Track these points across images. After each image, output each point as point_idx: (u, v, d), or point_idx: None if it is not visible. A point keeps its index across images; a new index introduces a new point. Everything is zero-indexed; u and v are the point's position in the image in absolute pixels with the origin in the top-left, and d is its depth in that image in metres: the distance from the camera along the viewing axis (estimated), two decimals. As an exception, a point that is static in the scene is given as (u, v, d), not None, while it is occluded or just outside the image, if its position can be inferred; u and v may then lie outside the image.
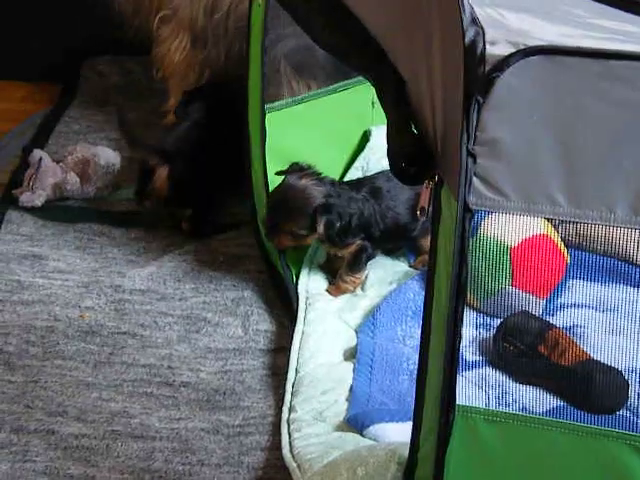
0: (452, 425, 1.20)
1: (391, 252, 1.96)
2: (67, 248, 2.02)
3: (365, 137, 2.19)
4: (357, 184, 1.91)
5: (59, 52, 2.53)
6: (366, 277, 1.91)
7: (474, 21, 1.08)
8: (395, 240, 1.93)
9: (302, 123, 2.02)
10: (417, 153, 1.20)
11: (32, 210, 2.11)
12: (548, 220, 1.76)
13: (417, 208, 1.81)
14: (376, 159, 2.14)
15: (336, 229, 1.82)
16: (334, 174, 2.10)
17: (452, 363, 1.17)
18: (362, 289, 1.90)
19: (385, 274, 1.94)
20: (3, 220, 2.08)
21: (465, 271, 1.15)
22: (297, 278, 1.91)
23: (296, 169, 1.85)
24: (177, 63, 2.27)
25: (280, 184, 1.85)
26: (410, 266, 1.95)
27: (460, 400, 1.21)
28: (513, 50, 1.07)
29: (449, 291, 1.16)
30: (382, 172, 1.91)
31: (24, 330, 1.79)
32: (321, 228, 1.80)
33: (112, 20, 2.36)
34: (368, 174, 2.13)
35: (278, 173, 1.86)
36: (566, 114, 1.08)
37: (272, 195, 1.87)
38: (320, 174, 1.86)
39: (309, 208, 1.80)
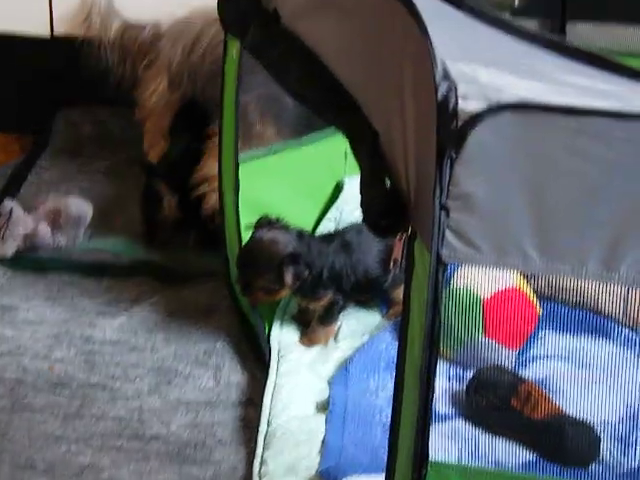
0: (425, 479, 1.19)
1: (363, 303, 1.96)
2: (37, 299, 2.01)
3: (338, 188, 2.20)
4: (328, 237, 1.91)
5: (31, 102, 2.52)
6: (339, 328, 1.90)
7: (446, 76, 1.09)
8: (366, 292, 1.93)
9: (275, 174, 2.02)
10: (390, 206, 1.21)
11: (2, 260, 2.10)
12: (520, 272, 1.77)
13: (388, 261, 1.84)
14: (349, 210, 2.15)
15: (305, 279, 1.82)
16: (307, 225, 2.10)
17: (425, 417, 1.17)
18: (335, 340, 1.90)
19: (358, 325, 1.93)
20: (-27, 271, 2.07)
21: (438, 323, 1.15)
22: (269, 329, 1.91)
23: (264, 223, 1.84)
24: (154, 104, 2.30)
25: (248, 240, 1.86)
26: (383, 317, 1.95)
27: (433, 454, 1.21)
28: (485, 105, 1.08)
29: (422, 343, 1.16)
30: (352, 225, 1.92)
31: (-7, 383, 1.77)
32: (289, 279, 1.79)
33: (86, 70, 2.37)
34: (341, 225, 2.14)
35: (248, 227, 1.86)
36: (538, 169, 1.09)
37: (241, 253, 1.87)
38: (288, 226, 1.86)
39: (276, 261, 1.79)
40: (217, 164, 1.95)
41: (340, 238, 1.89)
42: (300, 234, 1.85)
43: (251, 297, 1.85)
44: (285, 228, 1.85)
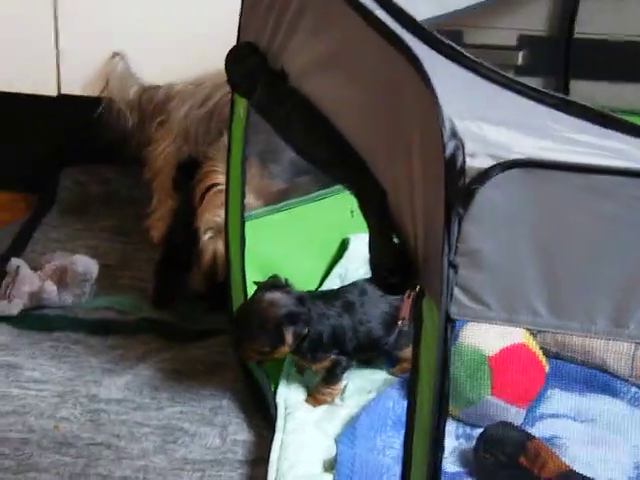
0: (436, 540, 1.18)
1: (367, 362, 1.95)
2: (43, 357, 2.00)
3: (344, 245, 2.21)
4: (330, 297, 1.90)
5: (37, 161, 2.54)
6: (345, 387, 1.89)
7: (454, 134, 1.10)
8: (369, 352, 1.92)
9: (280, 231, 2.03)
10: (398, 263, 1.21)
11: (8, 319, 2.09)
12: (527, 329, 1.77)
13: (393, 321, 1.84)
14: (354, 268, 2.15)
15: (304, 339, 1.81)
16: (313, 281, 2.11)
17: (435, 476, 1.16)
18: (341, 399, 1.89)
19: (364, 383, 1.92)
20: (-21, 329, 2.06)
21: (448, 382, 1.14)
22: (276, 387, 1.90)
23: (268, 285, 1.84)
24: (162, 163, 2.33)
25: (246, 301, 1.86)
26: (388, 373, 1.94)
27: (443, 514, 1.20)
28: (493, 163, 1.09)
29: (431, 402, 1.16)
30: (355, 284, 1.91)
31: (-2, 442, 1.76)
32: (289, 338, 1.79)
33: (93, 129, 2.39)
34: (346, 282, 2.14)
35: (255, 283, 1.86)
36: (547, 226, 1.09)
37: (237, 312, 1.87)
38: (291, 290, 1.84)
39: (270, 325, 1.78)
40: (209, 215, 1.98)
41: (342, 299, 1.89)
42: (301, 298, 1.83)
43: (244, 356, 1.85)
44: (287, 291, 1.84)
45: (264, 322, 1.79)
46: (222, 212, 1.95)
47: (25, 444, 1.75)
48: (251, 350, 1.82)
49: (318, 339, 1.83)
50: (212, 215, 2.06)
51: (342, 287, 1.94)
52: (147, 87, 2.42)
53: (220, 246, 2.02)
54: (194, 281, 2.14)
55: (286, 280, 1.86)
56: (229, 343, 1.87)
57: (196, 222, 2.08)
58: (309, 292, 1.93)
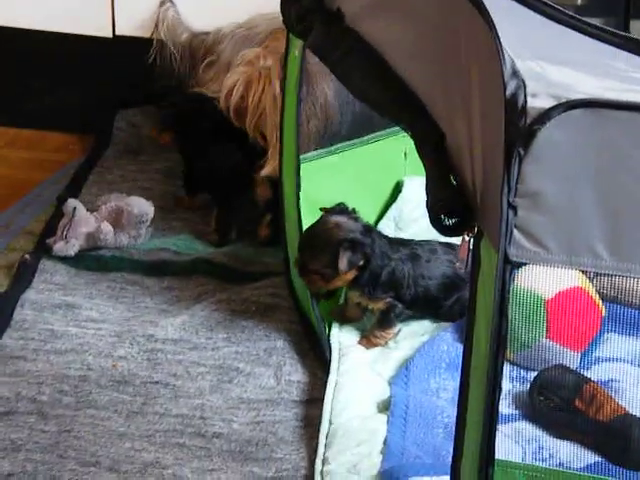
0: (491, 480, 1.19)
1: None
2: (100, 297, 2.03)
3: (397, 188, 2.20)
4: (399, 243, 1.90)
5: (93, 103, 2.55)
6: (399, 331, 1.90)
7: (515, 74, 1.09)
8: (422, 310, 1.92)
9: (335, 174, 2.03)
10: (456, 205, 1.20)
11: (65, 259, 2.12)
12: (583, 272, 1.75)
13: (456, 286, 1.84)
14: (408, 210, 2.15)
15: (364, 271, 1.80)
16: (366, 224, 2.10)
17: (492, 417, 1.16)
18: (394, 341, 1.89)
19: (418, 326, 1.93)
20: (37, 269, 2.09)
21: (505, 324, 1.14)
22: (329, 329, 1.91)
23: (337, 210, 1.84)
24: None
25: (314, 222, 1.85)
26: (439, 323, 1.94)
27: (499, 454, 1.20)
28: (555, 103, 1.07)
29: (488, 344, 1.15)
30: (428, 242, 1.90)
31: (57, 379, 1.78)
32: (342, 264, 1.78)
33: (147, 71, 2.39)
34: (400, 225, 2.14)
35: (322, 209, 1.86)
36: (609, 167, 1.08)
37: (303, 234, 1.87)
38: (358, 217, 1.85)
39: (332, 246, 1.78)
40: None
41: (410, 250, 1.88)
42: (368, 228, 1.83)
43: (307, 280, 1.84)
44: (355, 218, 1.84)
45: (327, 243, 1.79)
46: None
47: (84, 382, 1.78)
48: (315, 272, 1.81)
49: (376, 275, 1.83)
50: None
51: (413, 240, 1.93)
52: (197, 33, 2.43)
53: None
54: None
55: (353, 209, 1.86)
56: (295, 265, 1.86)
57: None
58: (379, 233, 1.92)
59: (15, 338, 1.89)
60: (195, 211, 2.32)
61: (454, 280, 1.87)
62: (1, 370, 1.80)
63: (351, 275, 1.82)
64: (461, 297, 1.85)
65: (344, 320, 1.92)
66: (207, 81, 2.35)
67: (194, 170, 2.31)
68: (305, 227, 1.88)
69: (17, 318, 1.94)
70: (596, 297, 1.80)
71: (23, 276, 2.06)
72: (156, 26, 2.45)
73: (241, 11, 2.32)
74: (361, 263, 1.80)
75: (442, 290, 1.88)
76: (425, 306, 1.90)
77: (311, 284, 1.85)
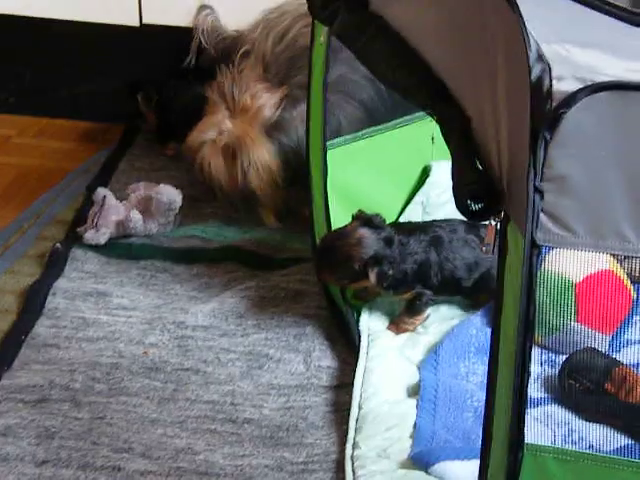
0: (521, 463, 1.19)
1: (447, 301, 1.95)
2: (130, 285, 2.04)
3: (425, 172, 2.20)
4: (419, 229, 1.90)
5: (123, 92, 2.56)
6: (427, 317, 1.90)
7: (540, 57, 1.08)
8: (451, 291, 1.92)
9: (362, 159, 2.03)
10: (482, 189, 1.20)
11: (96, 248, 2.14)
12: (613, 255, 1.74)
13: (478, 264, 1.84)
14: (436, 194, 2.15)
15: (389, 279, 1.82)
16: (394, 209, 2.11)
17: (521, 401, 1.16)
18: (423, 326, 1.90)
19: (447, 311, 1.93)
20: (68, 258, 2.11)
21: (533, 307, 1.14)
22: (358, 315, 1.92)
23: (362, 220, 1.84)
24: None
25: (337, 230, 1.86)
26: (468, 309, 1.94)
27: (528, 438, 1.20)
28: (580, 86, 1.07)
29: (517, 328, 1.15)
30: (448, 221, 1.90)
31: (89, 367, 1.80)
32: (373, 278, 1.81)
33: (175, 59, 2.40)
34: (428, 209, 2.13)
35: (359, 212, 1.86)
36: (635, 149, 1.07)
37: (324, 238, 1.88)
38: (383, 225, 1.84)
39: (353, 263, 1.80)
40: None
41: (432, 232, 1.88)
42: (389, 239, 1.83)
43: (322, 279, 1.88)
44: (378, 231, 1.83)
45: (348, 259, 1.80)
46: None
47: (116, 369, 1.80)
48: (330, 279, 1.86)
49: (402, 277, 1.84)
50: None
51: (434, 221, 1.93)
52: (237, 35, 2.45)
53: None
54: None
55: (377, 214, 1.86)
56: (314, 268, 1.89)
57: None
58: (399, 224, 1.93)
59: (47, 326, 1.91)
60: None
61: (476, 259, 1.87)
62: (34, 358, 1.83)
63: (380, 284, 1.83)
64: (484, 274, 1.86)
65: (368, 298, 1.92)
66: (242, 70, 2.34)
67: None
68: (332, 214, 1.89)
69: (49, 306, 1.96)
70: (626, 279, 1.79)
71: (55, 265, 2.08)
72: (194, 30, 2.46)
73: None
74: (390, 272, 1.82)
75: (466, 270, 1.88)
76: (450, 287, 1.91)
77: (327, 282, 1.90)
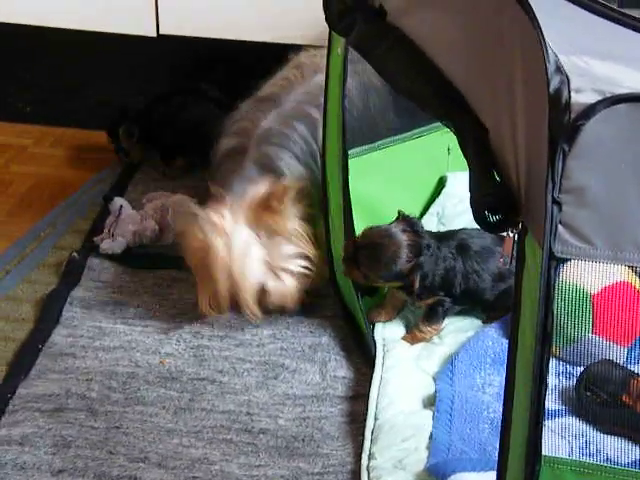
0: (538, 476, 1.18)
1: (464, 312, 1.95)
2: (146, 294, 2.05)
3: (441, 183, 2.20)
4: (447, 236, 1.90)
5: (140, 101, 2.57)
6: (443, 327, 1.90)
7: (559, 69, 1.08)
8: (473, 300, 1.92)
9: (379, 169, 2.02)
10: (500, 201, 1.20)
11: (112, 257, 2.14)
12: (630, 267, 1.74)
13: (503, 276, 1.84)
14: (452, 205, 2.14)
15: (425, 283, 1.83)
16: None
17: (538, 413, 1.16)
18: (439, 337, 1.90)
19: (462, 323, 1.93)
20: (85, 267, 2.11)
21: (551, 319, 1.14)
22: (373, 325, 1.92)
23: (407, 220, 1.84)
24: None
25: (379, 227, 1.85)
26: (483, 321, 1.94)
27: (545, 450, 1.20)
28: (599, 98, 1.07)
29: (534, 339, 1.15)
30: (479, 231, 1.89)
31: (106, 376, 1.81)
32: (417, 284, 1.81)
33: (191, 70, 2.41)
34: (443, 220, 2.13)
35: (400, 212, 1.85)
36: (654, 162, 1.07)
37: (368, 232, 1.86)
38: (422, 232, 1.84)
39: (394, 265, 1.80)
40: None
41: (459, 241, 1.88)
42: (429, 244, 1.83)
43: (348, 271, 1.85)
44: (421, 235, 1.83)
45: (395, 258, 1.80)
46: None
47: (132, 378, 1.81)
48: (365, 274, 1.83)
49: (431, 283, 1.84)
50: None
51: (464, 229, 1.93)
52: None
53: None
54: None
55: (418, 220, 1.87)
56: (342, 259, 1.86)
57: None
58: (428, 230, 1.93)
59: (64, 335, 1.92)
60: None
61: (502, 271, 1.86)
62: (51, 367, 1.83)
63: (417, 289, 1.83)
64: (507, 290, 1.85)
65: (379, 320, 1.92)
66: None
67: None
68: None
69: (66, 316, 1.97)
70: (643, 291, 1.78)
71: (71, 274, 2.09)
72: None
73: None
74: (429, 279, 1.83)
75: (490, 281, 1.88)
76: (472, 298, 1.90)
77: (351, 276, 1.86)
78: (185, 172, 2.45)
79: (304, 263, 1.88)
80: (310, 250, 1.87)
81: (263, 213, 1.81)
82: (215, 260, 1.83)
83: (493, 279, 1.87)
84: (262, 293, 1.87)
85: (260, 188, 1.86)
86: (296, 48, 2.23)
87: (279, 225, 1.82)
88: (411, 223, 1.84)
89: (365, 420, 1.69)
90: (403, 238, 1.82)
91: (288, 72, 2.06)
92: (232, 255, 1.83)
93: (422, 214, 2.16)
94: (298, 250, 1.86)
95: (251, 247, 1.83)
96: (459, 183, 2.10)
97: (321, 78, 1.95)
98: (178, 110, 2.45)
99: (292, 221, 1.85)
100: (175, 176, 2.44)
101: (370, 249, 1.83)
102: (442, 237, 1.89)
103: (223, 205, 1.86)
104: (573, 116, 1.08)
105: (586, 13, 1.20)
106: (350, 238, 1.86)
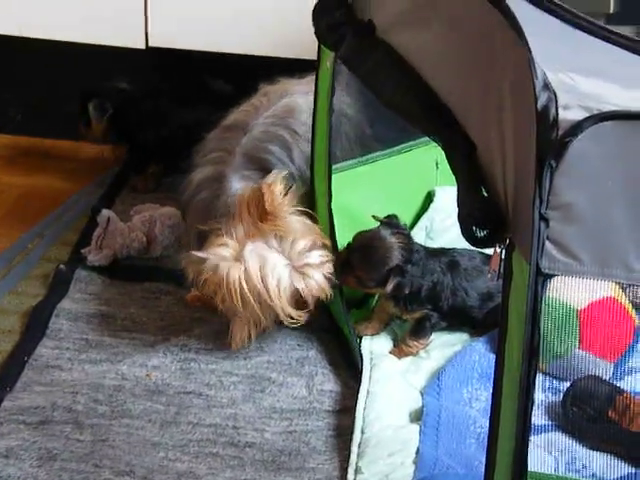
0: (524, 491, 1.18)
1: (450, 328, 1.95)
2: (134, 307, 2.04)
3: (429, 198, 2.20)
4: (438, 252, 1.91)
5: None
6: (430, 342, 1.90)
7: (546, 86, 1.09)
8: (456, 319, 1.92)
9: (366, 183, 2.03)
10: (487, 216, 1.20)
11: (100, 269, 2.14)
12: (616, 283, 1.74)
13: (492, 295, 1.84)
14: (440, 219, 2.15)
15: (404, 294, 1.83)
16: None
17: (524, 428, 1.16)
18: (426, 351, 1.90)
19: (449, 337, 1.93)
20: (72, 279, 2.11)
21: (538, 335, 1.14)
22: (361, 339, 1.92)
23: (392, 223, 1.85)
24: None
25: (370, 230, 1.86)
26: (471, 335, 1.94)
27: (532, 466, 1.20)
28: (586, 115, 1.08)
29: (521, 354, 1.15)
30: (470, 251, 1.90)
31: (92, 389, 1.80)
32: (390, 288, 1.81)
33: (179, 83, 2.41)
34: (432, 234, 2.14)
35: (375, 217, 1.86)
36: (640, 179, 1.08)
37: (359, 236, 1.87)
38: (411, 238, 1.86)
39: (385, 266, 1.81)
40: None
41: (450, 258, 1.89)
42: (416, 248, 1.84)
43: (343, 277, 1.85)
44: (408, 239, 1.84)
45: (381, 263, 1.81)
46: None
47: (118, 391, 1.80)
48: (355, 278, 1.84)
49: (417, 292, 1.85)
50: None
51: (452, 248, 1.93)
52: None
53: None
54: None
55: (405, 225, 1.88)
56: (335, 265, 1.84)
57: None
58: (421, 245, 1.93)
59: (50, 347, 1.91)
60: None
61: (490, 290, 1.87)
62: (37, 379, 1.82)
63: (391, 294, 1.84)
64: (495, 308, 1.85)
65: (367, 334, 1.92)
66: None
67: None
68: (337, 237, 1.89)
69: (52, 327, 1.96)
70: (629, 307, 1.79)
71: (58, 286, 2.08)
72: None
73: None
74: (407, 291, 1.83)
75: (478, 299, 1.88)
76: (460, 316, 1.91)
77: (345, 282, 1.87)
78: (158, 182, 2.44)
79: (321, 252, 1.84)
80: (319, 237, 1.86)
81: (261, 225, 1.80)
82: (242, 290, 1.79)
83: (481, 298, 1.88)
84: (297, 295, 1.84)
85: (242, 199, 1.83)
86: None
87: (281, 227, 1.80)
88: (397, 225, 1.85)
89: (352, 434, 1.69)
90: (394, 240, 1.82)
91: (255, 100, 2.04)
92: (254, 276, 1.79)
93: (410, 228, 2.16)
94: (310, 242, 1.83)
95: (267, 259, 1.80)
96: (447, 197, 2.11)
97: (287, 101, 1.97)
98: (165, 111, 2.43)
99: (290, 217, 1.82)
100: (149, 187, 2.43)
101: (363, 251, 1.84)
102: (434, 253, 1.90)
103: (220, 236, 1.82)
104: (560, 133, 1.08)
105: (573, 30, 1.21)
106: (335, 253, 1.86)
